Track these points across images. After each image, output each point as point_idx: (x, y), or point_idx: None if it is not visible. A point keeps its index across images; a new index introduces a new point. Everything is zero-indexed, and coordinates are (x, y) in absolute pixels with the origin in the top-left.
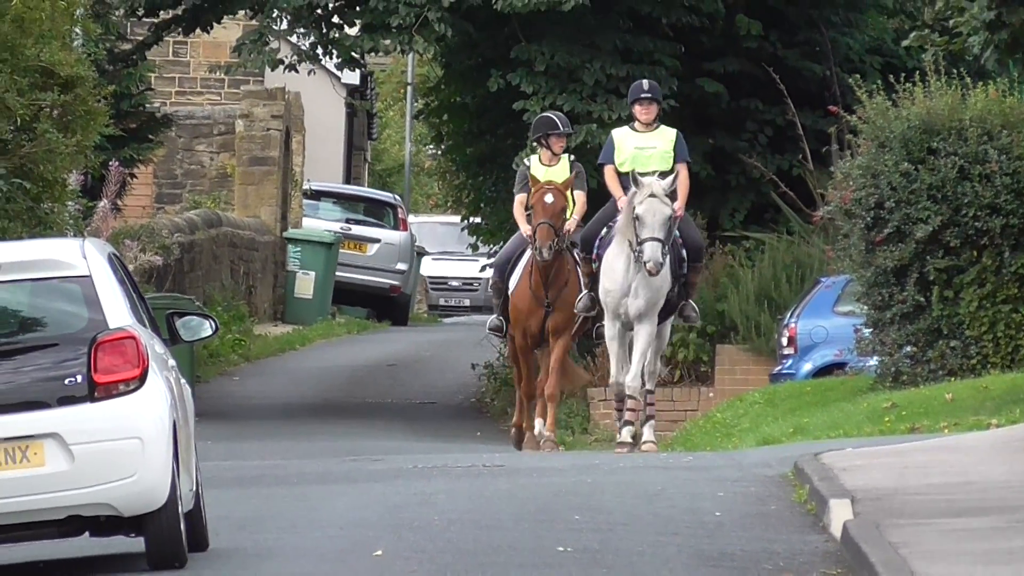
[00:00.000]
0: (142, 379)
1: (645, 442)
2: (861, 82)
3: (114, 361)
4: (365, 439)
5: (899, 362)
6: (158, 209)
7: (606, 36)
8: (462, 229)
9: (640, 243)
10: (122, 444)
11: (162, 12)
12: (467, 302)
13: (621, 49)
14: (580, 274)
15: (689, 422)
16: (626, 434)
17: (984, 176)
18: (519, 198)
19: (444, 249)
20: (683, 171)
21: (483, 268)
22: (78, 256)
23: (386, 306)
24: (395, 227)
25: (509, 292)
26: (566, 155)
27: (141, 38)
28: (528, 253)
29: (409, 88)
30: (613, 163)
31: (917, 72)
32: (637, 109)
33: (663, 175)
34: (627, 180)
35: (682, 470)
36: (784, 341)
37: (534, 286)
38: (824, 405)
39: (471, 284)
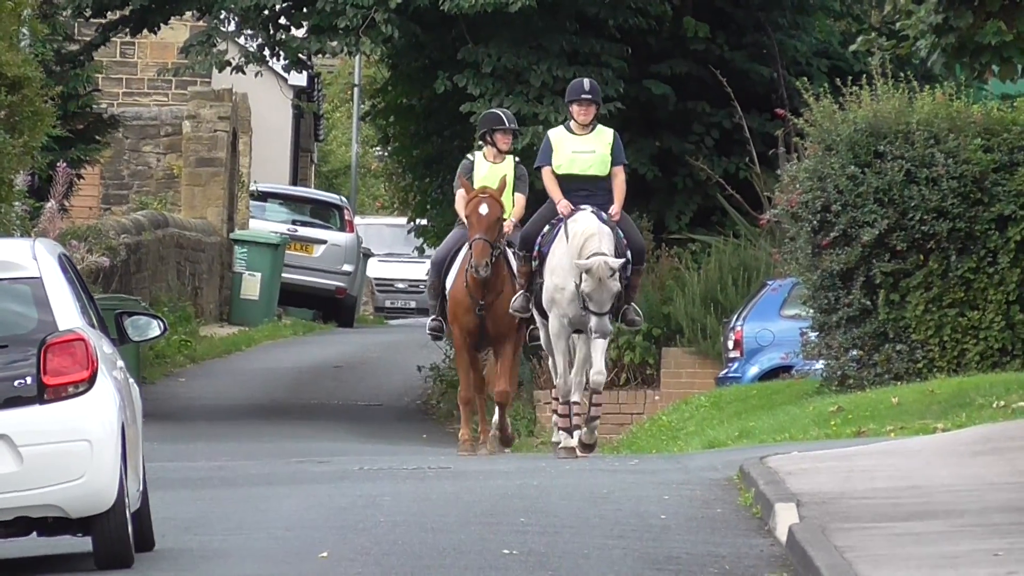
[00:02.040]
0: (91, 381)
1: (587, 445)
2: (808, 85)
3: (63, 363)
4: (311, 441)
5: (845, 366)
6: (105, 210)
7: (553, 38)
8: (408, 231)
9: (588, 312)
10: (71, 446)
11: (109, 13)
12: (413, 304)
13: (568, 51)
14: (515, 275)
15: (635, 425)
16: (588, 434)
17: (931, 180)
18: (460, 193)
19: (390, 251)
20: (620, 174)
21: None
22: (28, 257)
23: (332, 307)
24: (341, 229)
25: (447, 292)
26: (511, 156)
27: (89, 39)
28: (464, 251)
29: (356, 90)
30: (550, 165)
31: (864, 75)
32: (575, 109)
33: (599, 183)
34: (565, 182)
35: (628, 473)
36: (730, 344)
37: (470, 287)
38: (770, 408)
39: (417, 286)
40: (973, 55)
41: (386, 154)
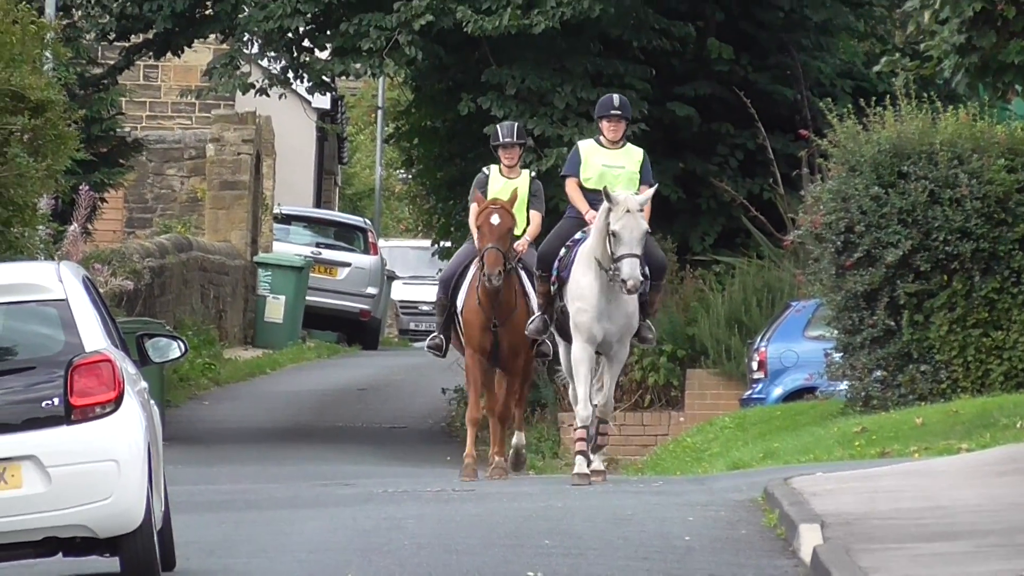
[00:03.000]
0: (118, 402)
1: (598, 472)
2: (832, 106)
3: (90, 384)
4: (335, 463)
5: (869, 386)
6: (128, 233)
7: (576, 60)
8: (432, 253)
9: (617, 260)
10: (98, 466)
11: (133, 36)
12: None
13: (592, 72)
14: (530, 294)
15: (659, 446)
16: (596, 462)
17: (954, 200)
18: (474, 207)
19: (414, 273)
20: (650, 192)
21: None
22: (54, 279)
23: (356, 330)
24: (365, 251)
25: (456, 310)
26: (527, 170)
27: (112, 62)
28: (474, 268)
29: (380, 112)
30: (578, 176)
31: (888, 96)
32: (605, 125)
33: None
34: (592, 195)
35: (652, 495)
36: (754, 365)
37: (483, 304)
38: (794, 429)
39: None
40: (996, 75)
41: (410, 176)
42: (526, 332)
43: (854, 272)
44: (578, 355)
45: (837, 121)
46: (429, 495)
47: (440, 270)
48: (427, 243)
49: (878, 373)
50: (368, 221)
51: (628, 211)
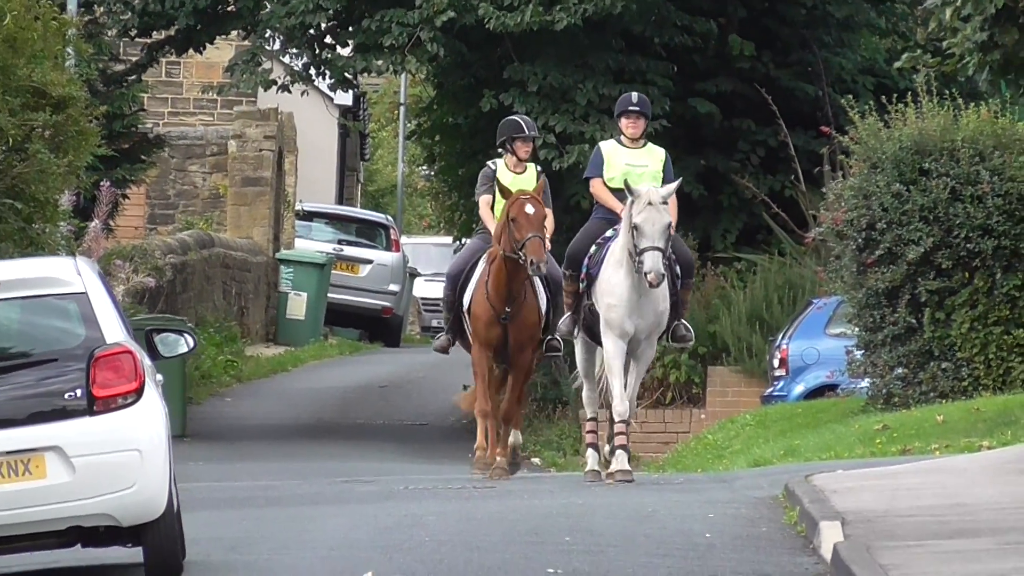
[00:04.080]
0: (139, 392)
1: (623, 470)
2: (853, 103)
3: (112, 375)
4: (357, 460)
5: (891, 384)
6: (150, 230)
7: (599, 56)
8: (455, 250)
9: (640, 253)
10: (121, 456)
11: (155, 33)
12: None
13: (614, 69)
14: (538, 288)
15: (680, 444)
16: (620, 461)
17: (976, 197)
18: (485, 199)
19: (437, 270)
20: (674, 185)
21: None
22: (73, 273)
23: (378, 327)
24: (387, 248)
25: (464, 307)
26: (533, 164)
27: (134, 58)
28: (482, 265)
29: (402, 109)
30: (602, 177)
31: (909, 93)
32: (624, 123)
33: None
34: (618, 195)
35: (673, 492)
36: (776, 363)
37: (492, 298)
38: (816, 427)
39: None
40: (1018, 71)
41: (432, 173)
42: (557, 333)
43: (875, 269)
44: (611, 350)
45: (859, 118)
46: (450, 492)
47: None
48: (449, 240)
49: (899, 370)
50: (390, 218)
51: (650, 203)
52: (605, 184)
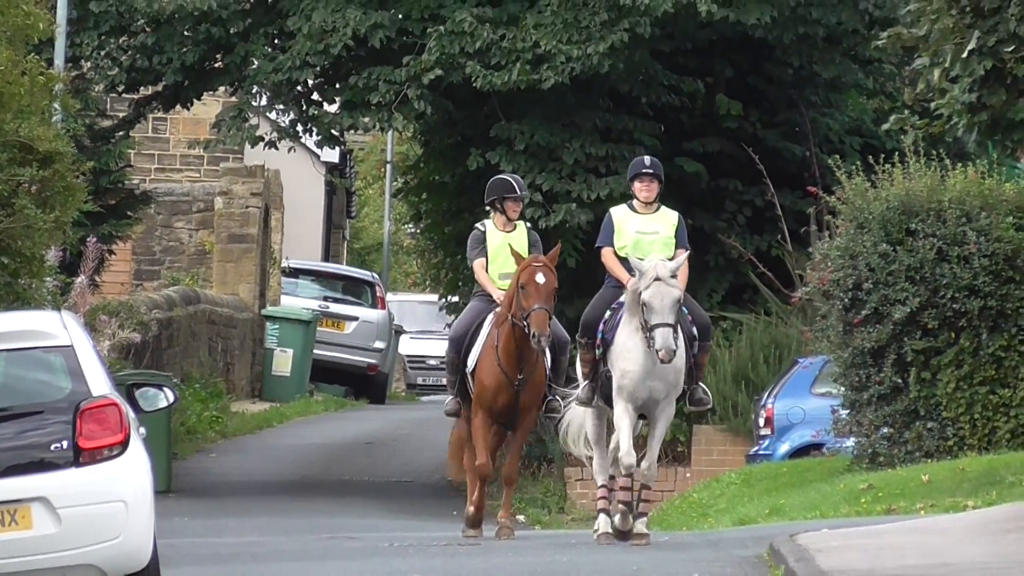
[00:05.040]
0: (125, 444)
1: (640, 534)
2: (840, 163)
3: (98, 428)
4: (342, 517)
5: (876, 443)
6: (136, 286)
7: (586, 115)
8: (440, 308)
9: (650, 329)
10: (107, 507)
11: (142, 88)
12: (445, 381)
13: (601, 128)
14: (546, 351)
15: (666, 502)
16: (639, 526)
17: (962, 258)
18: (479, 263)
19: (422, 328)
20: (682, 257)
21: None
22: (59, 327)
23: (364, 384)
24: (373, 305)
25: (467, 369)
26: (522, 221)
27: (121, 114)
28: (487, 327)
29: (388, 166)
30: (612, 245)
31: (896, 153)
32: (637, 186)
33: None
34: (628, 264)
35: (658, 550)
36: (761, 421)
37: (504, 364)
38: (801, 486)
39: None
40: (1005, 132)
41: (418, 231)
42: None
43: (862, 329)
44: (620, 413)
45: (846, 178)
46: (435, 549)
47: (448, 325)
48: (435, 297)
49: (885, 430)
50: (376, 275)
51: (658, 278)
52: (616, 253)
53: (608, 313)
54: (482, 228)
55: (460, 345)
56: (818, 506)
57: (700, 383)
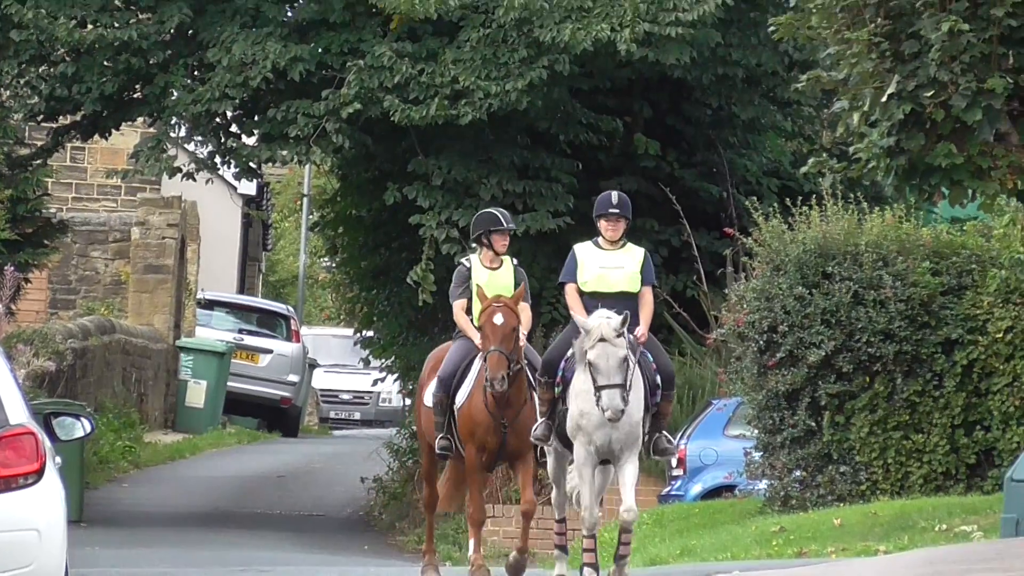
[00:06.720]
0: (40, 473)
1: None
2: (758, 204)
3: (13, 456)
4: (254, 550)
5: (789, 486)
6: (52, 314)
7: (503, 152)
8: (355, 343)
9: (597, 390)
10: (20, 535)
11: (61, 117)
12: (357, 415)
13: (518, 165)
14: (535, 397)
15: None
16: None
17: (878, 302)
18: (460, 304)
19: (336, 362)
20: (648, 294)
21: (375, 382)
22: None
23: (277, 417)
24: (288, 338)
25: (456, 408)
26: (508, 257)
27: (39, 143)
28: (477, 365)
29: (305, 199)
30: (575, 281)
31: (814, 196)
32: (603, 224)
33: (627, 302)
34: (590, 301)
35: None
36: (674, 462)
37: (490, 406)
38: (712, 527)
39: (362, 397)
40: (923, 177)
41: (334, 265)
42: (531, 438)
43: (776, 371)
44: (581, 456)
45: (762, 220)
46: None
47: (361, 360)
48: (349, 332)
49: (798, 473)
50: (291, 308)
51: (603, 339)
52: (579, 289)
53: (570, 352)
54: (467, 264)
55: (448, 384)
56: (729, 548)
57: (664, 432)
